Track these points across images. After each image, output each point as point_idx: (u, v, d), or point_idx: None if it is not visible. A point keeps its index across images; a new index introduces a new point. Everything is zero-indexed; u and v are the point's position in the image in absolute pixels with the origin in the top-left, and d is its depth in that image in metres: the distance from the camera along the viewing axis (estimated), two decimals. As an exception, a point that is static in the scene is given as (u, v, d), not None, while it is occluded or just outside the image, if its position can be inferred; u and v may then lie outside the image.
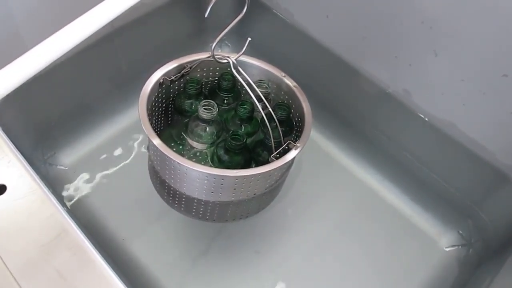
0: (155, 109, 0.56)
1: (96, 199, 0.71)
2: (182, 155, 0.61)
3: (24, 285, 0.31)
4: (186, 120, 0.57)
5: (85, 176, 0.73)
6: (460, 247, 0.74)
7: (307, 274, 0.69)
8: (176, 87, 0.58)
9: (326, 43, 0.77)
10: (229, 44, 0.91)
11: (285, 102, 0.58)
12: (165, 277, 0.66)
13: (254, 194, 0.52)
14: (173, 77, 0.55)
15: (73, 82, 0.72)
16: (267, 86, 0.58)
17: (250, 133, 0.58)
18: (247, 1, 0.48)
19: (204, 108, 0.52)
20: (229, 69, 0.52)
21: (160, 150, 0.47)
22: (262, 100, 0.51)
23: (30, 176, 0.40)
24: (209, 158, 0.57)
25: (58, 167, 0.73)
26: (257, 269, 0.68)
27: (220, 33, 0.49)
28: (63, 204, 0.67)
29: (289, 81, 0.57)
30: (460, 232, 0.75)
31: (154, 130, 0.58)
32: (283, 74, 0.57)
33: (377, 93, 0.75)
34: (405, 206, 0.77)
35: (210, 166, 0.55)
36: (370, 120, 0.80)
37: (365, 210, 0.76)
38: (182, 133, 0.59)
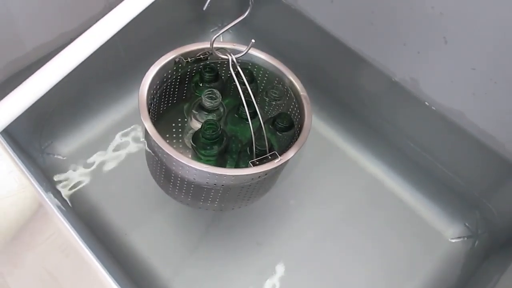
0: (167, 85, 0.55)
1: (94, 189, 0.70)
2: (184, 133, 0.61)
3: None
4: (196, 100, 0.57)
5: (83, 165, 0.71)
6: (466, 238, 0.73)
7: (311, 266, 0.68)
8: (195, 68, 0.56)
9: (331, 29, 0.75)
10: (230, 31, 0.89)
11: (290, 111, 0.56)
12: (163, 267, 0.65)
13: (227, 193, 0.51)
14: (189, 59, 0.53)
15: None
16: (280, 92, 0.56)
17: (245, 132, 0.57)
18: (251, 2, 0.46)
19: (207, 97, 0.51)
20: (228, 64, 0.50)
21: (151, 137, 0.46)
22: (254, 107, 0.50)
23: (21, 172, 0.38)
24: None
25: (55, 156, 0.71)
26: (258, 261, 0.67)
27: (221, 30, 0.47)
28: (59, 197, 0.66)
29: (299, 86, 0.54)
30: (467, 224, 0.74)
31: (165, 103, 0.57)
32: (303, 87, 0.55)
33: (383, 81, 0.73)
34: (411, 197, 0.76)
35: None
36: (375, 109, 0.78)
37: (370, 201, 0.75)
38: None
